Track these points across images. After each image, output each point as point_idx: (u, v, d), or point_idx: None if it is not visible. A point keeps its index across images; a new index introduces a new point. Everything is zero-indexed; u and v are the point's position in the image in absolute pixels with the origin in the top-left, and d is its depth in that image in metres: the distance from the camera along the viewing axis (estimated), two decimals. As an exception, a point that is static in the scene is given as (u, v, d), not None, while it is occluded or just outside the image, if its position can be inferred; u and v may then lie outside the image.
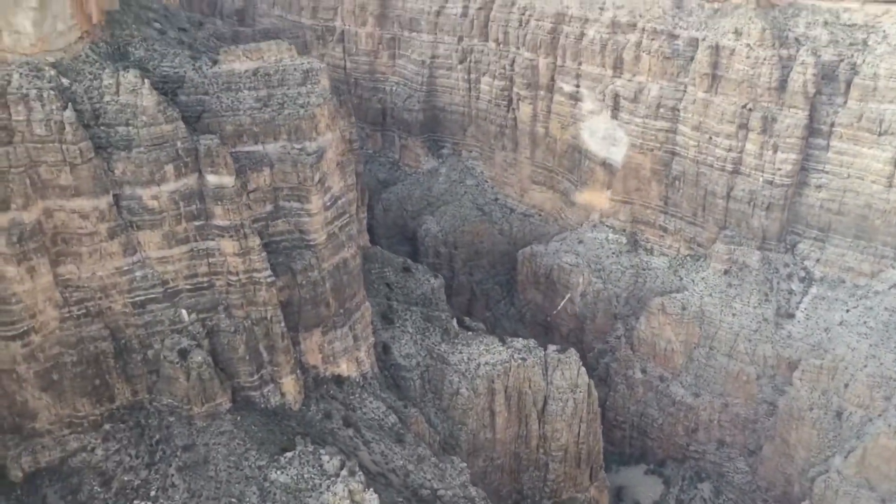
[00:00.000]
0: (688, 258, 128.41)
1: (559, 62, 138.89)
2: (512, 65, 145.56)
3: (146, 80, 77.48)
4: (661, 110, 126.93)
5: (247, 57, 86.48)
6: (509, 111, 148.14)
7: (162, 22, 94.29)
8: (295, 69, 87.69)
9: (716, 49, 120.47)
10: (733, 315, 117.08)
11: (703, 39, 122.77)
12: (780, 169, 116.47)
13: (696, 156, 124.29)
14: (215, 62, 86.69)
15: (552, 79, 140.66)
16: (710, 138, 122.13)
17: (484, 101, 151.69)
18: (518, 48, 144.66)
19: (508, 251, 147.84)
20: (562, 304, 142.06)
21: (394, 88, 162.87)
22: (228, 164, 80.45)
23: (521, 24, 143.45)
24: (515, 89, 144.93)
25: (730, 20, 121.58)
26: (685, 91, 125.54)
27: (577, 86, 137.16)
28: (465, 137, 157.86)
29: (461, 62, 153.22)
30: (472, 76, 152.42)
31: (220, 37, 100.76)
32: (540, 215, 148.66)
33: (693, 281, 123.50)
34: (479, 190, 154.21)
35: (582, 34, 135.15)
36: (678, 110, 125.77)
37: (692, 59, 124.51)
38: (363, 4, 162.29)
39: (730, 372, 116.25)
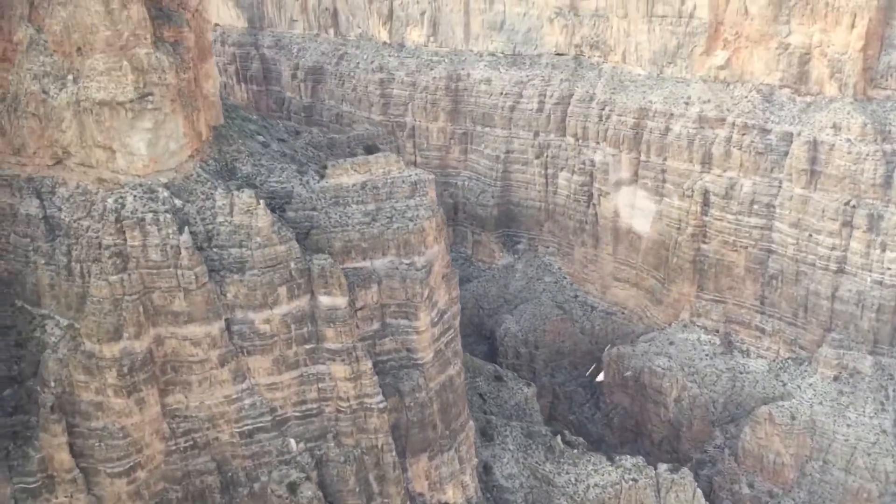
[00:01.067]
0: (789, 361, 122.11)
1: (643, 157, 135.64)
2: (592, 160, 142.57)
3: (261, 201, 74.66)
4: (756, 206, 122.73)
5: (355, 170, 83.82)
6: (589, 206, 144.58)
7: (262, 133, 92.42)
8: (403, 181, 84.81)
9: (813, 144, 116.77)
10: (848, 426, 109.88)
11: (799, 134, 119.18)
12: (889, 269, 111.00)
13: (795, 254, 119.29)
14: (322, 176, 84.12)
15: (635, 174, 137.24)
16: (811, 236, 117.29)
17: (562, 197, 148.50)
18: (598, 143, 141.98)
19: (591, 350, 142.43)
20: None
21: (466, 183, 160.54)
22: (342, 284, 76.87)
23: (601, 120, 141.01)
24: (596, 185, 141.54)
25: (826, 114, 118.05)
26: (780, 187, 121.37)
27: (663, 181, 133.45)
28: (541, 233, 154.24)
29: (537, 157, 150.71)
30: (549, 171, 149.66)
31: (316, 145, 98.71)
32: (623, 313, 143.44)
33: (799, 387, 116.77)
34: (558, 287, 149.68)
35: (667, 129, 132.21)
36: (773, 206, 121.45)
37: (786, 153, 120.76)
38: (434, 100, 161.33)
39: (848, 489, 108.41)
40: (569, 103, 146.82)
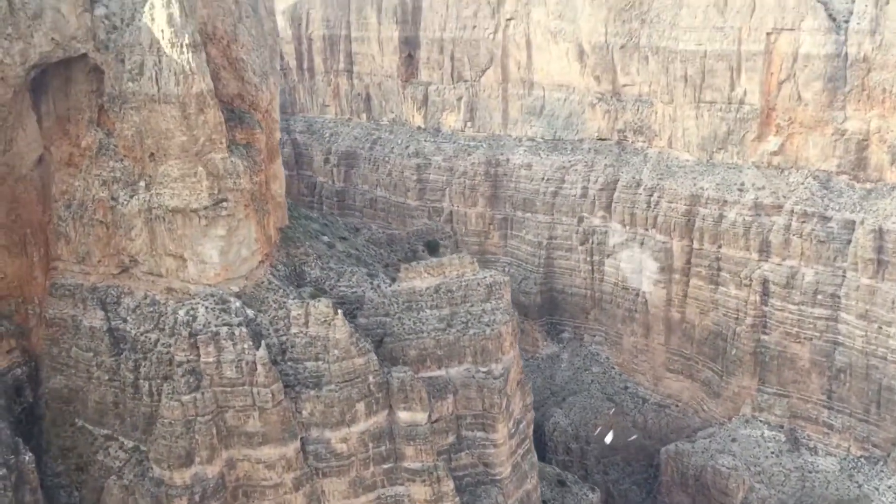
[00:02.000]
0: (862, 460, 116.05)
1: (696, 245, 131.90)
2: (641, 247, 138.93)
3: (339, 311, 70.53)
4: (819, 297, 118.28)
5: (428, 273, 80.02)
6: (639, 295, 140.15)
7: (325, 232, 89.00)
8: (478, 284, 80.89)
9: (879, 233, 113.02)
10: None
11: (862, 223, 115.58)
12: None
13: (864, 347, 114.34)
14: (394, 279, 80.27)
15: (688, 262, 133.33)
16: (880, 328, 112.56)
17: (609, 284, 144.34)
18: (647, 230, 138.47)
19: (644, 446, 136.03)
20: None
21: (507, 270, 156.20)
22: (423, 398, 72.23)
23: (649, 206, 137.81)
24: (648, 273, 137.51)
25: (889, 202, 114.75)
26: (845, 276, 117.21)
27: (718, 269, 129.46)
28: (587, 321, 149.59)
29: (582, 243, 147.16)
30: (595, 258, 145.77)
31: (376, 242, 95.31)
32: (678, 406, 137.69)
33: (877, 489, 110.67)
34: (607, 378, 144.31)
35: (721, 216, 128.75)
36: (839, 297, 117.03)
37: (848, 242, 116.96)
38: (473, 185, 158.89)
39: None
40: (614, 189, 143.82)
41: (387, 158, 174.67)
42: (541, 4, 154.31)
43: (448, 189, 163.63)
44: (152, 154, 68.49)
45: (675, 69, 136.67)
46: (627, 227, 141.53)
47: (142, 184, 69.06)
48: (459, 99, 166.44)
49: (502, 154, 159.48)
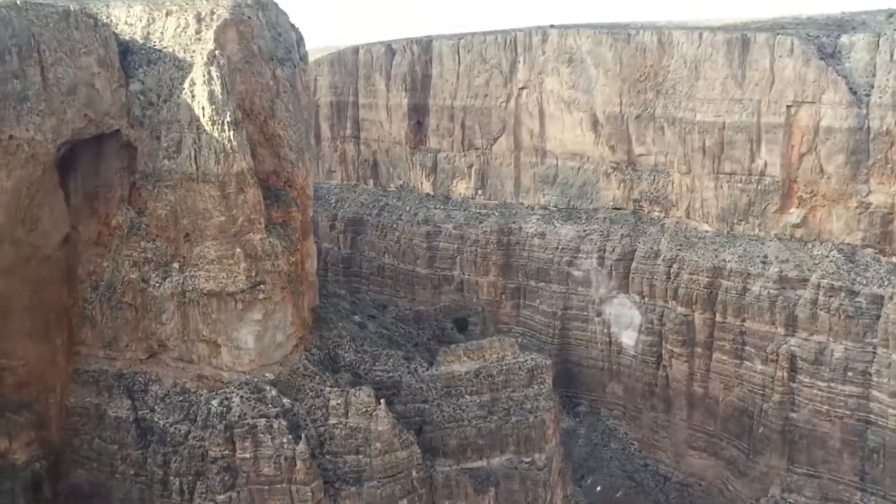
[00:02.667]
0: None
1: (718, 318, 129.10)
2: (661, 319, 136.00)
3: (381, 401, 66.67)
4: (850, 374, 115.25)
5: (468, 357, 76.52)
6: (659, 368, 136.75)
7: (354, 310, 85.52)
8: (520, 368, 77.55)
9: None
10: None
11: (891, 297, 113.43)
12: None
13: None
14: (431, 363, 76.61)
15: (710, 335, 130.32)
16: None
17: (627, 357, 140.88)
18: (667, 301, 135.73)
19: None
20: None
21: (520, 340, 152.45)
22: (468, 493, 68.46)
23: (669, 277, 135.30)
24: (669, 346, 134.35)
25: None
26: (875, 353, 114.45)
27: (743, 344, 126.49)
28: (604, 394, 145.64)
29: (599, 315, 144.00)
30: (613, 329, 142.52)
31: (403, 319, 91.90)
32: (701, 485, 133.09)
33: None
34: (626, 454, 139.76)
35: (744, 289, 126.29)
36: (870, 374, 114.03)
37: (877, 317, 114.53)
38: (485, 254, 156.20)
39: None
40: (632, 259, 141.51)
41: (395, 225, 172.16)
42: (554, 74, 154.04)
43: (459, 257, 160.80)
44: (187, 234, 65.25)
45: (692, 140, 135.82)
46: (646, 299, 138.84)
47: (175, 265, 65.61)
48: (470, 166, 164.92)
49: (515, 222, 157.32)
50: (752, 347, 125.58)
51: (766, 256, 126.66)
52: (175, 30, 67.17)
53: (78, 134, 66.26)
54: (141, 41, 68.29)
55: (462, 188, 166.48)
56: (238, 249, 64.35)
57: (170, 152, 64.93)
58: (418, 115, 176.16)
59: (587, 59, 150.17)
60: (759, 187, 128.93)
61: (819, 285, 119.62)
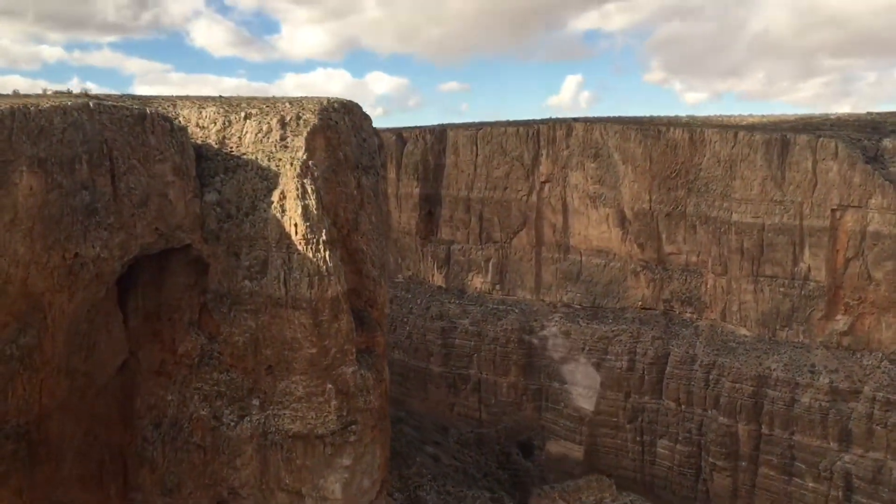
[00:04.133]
0: None
1: (764, 430, 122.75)
2: (700, 429, 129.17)
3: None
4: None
5: (563, 500, 68.34)
6: (698, 481, 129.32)
7: (417, 433, 77.00)
8: (615, 508, 69.57)
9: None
10: None
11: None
12: None
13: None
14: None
15: (756, 448, 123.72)
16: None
17: (663, 468, 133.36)
18: (706, 410, 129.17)
19: None
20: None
21: (545, 446, 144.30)
22: None
23: (707, 384, 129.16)
24: (710, 458, 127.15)
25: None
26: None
27: (792, 459, 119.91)
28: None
29: (630, 421, 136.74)
30: (646, 437, 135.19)
31: (464, 443, 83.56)
32: None
33: None
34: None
35: (793, 400, 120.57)
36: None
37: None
38: (505, 353, 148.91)
39: None
40: (665, 363, 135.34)
41: (405, 319, 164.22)
42: (578, 168, 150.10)
43: (476, 356, 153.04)
44: (270, 367, 56.97)
45: (728, 240, 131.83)
46: (683, 407, 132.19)
47: (255, 402, 57.05)
48: (488, 260, 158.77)
49: (536, 320, 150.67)
50: (803, 463, 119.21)
51: (813, 365, 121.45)
52: (256, 134, 60.19)
53: (146, 249, 58.19)
54: (216, 146, 61.06)
55: (478, 282, 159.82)
56: (329, 385, 56.25)
57: (252, 272, 57.14)
58: (430, 205, 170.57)
59: (614, 153, 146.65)
60: (802, 292, 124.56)
61: (874, 398, 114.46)
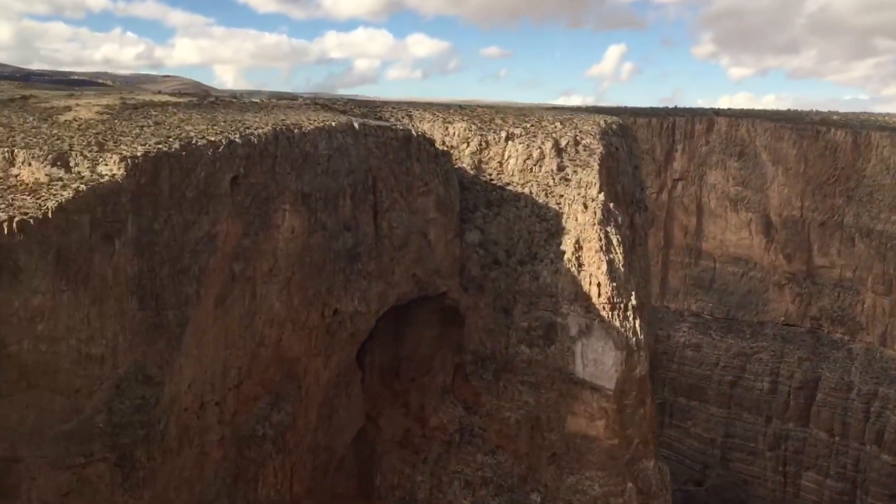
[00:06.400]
0: None
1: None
2: (856, 465, 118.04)
3: None
4: None
5: None
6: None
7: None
8: None
9: None
10: None
11: None
12: None
13: None
14: None
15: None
16: None
17: (808, 502, 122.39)
18: (864, 444, 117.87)
19: None
20: None
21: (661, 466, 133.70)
22: None
23: (867, 417, 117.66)
24: (870, 498, 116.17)
25: None
26: None
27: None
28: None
29: (772, 449, 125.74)
30: (790, 468, 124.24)
31: None
32: None
33: None
34: None
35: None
36: None
37: None
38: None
39: None
40: (815, 388, 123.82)
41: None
42: (718, 167, 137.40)
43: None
44: (554, 455, 46.03)
45: (893, 257, 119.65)
46: (837, 438, 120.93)
47: (535, 498, 46.27)
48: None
49: (661, 329, 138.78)
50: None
51: None
52: (524, 161, 48.69)
53: (399, 300, 47.15)
54: (471, 171, 49.52)
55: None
56: (629, 484, 45.49)
57: (533, 337, 46.01)
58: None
59: (762, 153, 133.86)
60: None
61: None
